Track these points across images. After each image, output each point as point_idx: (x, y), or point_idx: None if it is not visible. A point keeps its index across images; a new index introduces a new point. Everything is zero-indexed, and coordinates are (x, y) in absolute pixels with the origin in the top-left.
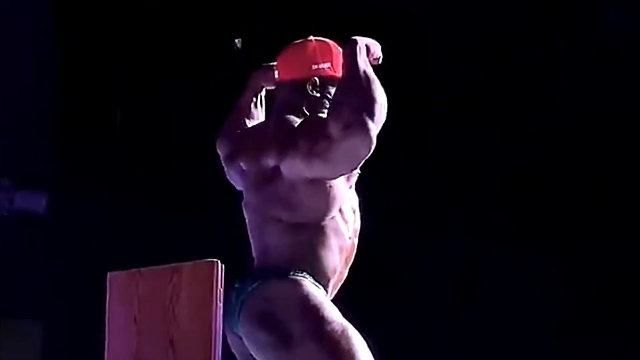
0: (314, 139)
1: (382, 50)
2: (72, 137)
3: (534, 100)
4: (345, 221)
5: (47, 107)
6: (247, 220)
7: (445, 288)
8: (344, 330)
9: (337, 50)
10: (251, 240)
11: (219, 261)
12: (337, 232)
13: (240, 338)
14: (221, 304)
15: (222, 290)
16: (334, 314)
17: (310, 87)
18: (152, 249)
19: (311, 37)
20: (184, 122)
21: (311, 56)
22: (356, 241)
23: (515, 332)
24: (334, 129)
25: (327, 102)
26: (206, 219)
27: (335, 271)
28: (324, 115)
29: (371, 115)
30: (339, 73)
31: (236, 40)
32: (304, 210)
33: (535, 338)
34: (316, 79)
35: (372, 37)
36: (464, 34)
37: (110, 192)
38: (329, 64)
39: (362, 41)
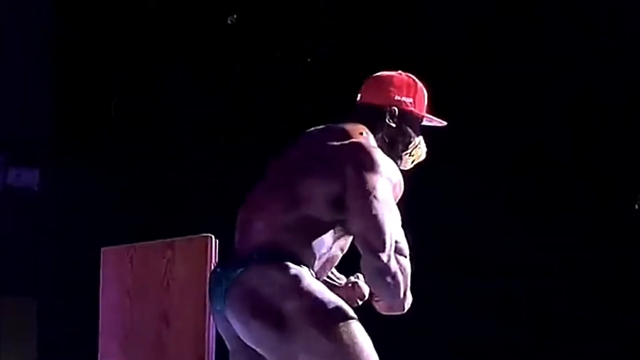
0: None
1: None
2: (65, 113)
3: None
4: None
5: (40, 84)
6: (245, 209)
7: None
8: (336, 306)
9: (422, 91)
10: (240, 227)
11: (212, 236)
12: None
13: (228, 322)
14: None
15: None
16: (324, 291)
17: (389, 115)
18: (145, 224)
19: (401, 72)
20: (177, 98)
21: (397, 87)
22: (340, 254)
23: None
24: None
25: (400, 134)
26: (200, 195)
27: (316, 265)
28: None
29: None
30: (419, 111)
31: (230, 18)
32: (315, 206)
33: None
34: (395, 109)
35: (368, 11)
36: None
37: (103, 168)
38: (411, 100)
39: None
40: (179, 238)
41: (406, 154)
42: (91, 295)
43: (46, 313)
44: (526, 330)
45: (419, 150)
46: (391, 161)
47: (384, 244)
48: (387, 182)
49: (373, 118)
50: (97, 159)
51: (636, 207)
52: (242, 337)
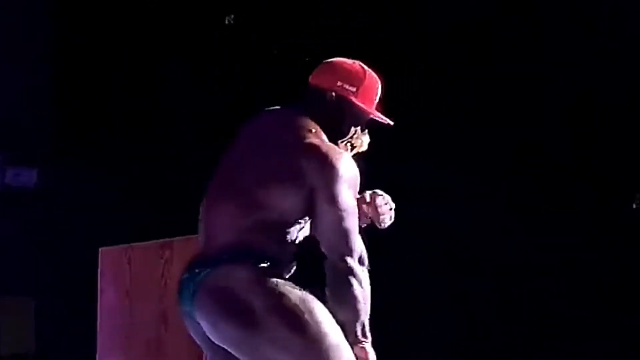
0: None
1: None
2: (64, 113)
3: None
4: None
5: (39, 85)
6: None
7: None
8: (304, 301)
9: (372, 84)
10: (203, 229)
11: None
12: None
13: (199, 324)
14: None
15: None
16: (292, 289)
17: (328, 99)
18: (144, 224)
19: (357, 62)
20: (176, 98)
21: (343, 74)
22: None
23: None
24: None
25: (338, 121)
26: (197, 195)
27: (285, 256)
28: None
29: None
30: (361, 103)
31: (227, 18)
32: (279, 212)
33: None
34: (334, 94)
35: (367, 11)
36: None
37: (102, 168)
38: (354, 89)
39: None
40: (176, 238)
41: (343, 142)
42: (89, 295)
43: (44, 312)
44: (526, 331)
45: (357, 141)
46: (345, 154)
47: (352, 251)
48: (349, 188)
49: (316, 100)
50: (95, 159)
51: (634, 206)
52: (210, 337)
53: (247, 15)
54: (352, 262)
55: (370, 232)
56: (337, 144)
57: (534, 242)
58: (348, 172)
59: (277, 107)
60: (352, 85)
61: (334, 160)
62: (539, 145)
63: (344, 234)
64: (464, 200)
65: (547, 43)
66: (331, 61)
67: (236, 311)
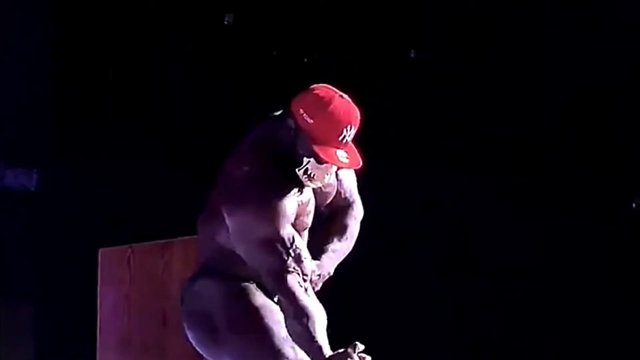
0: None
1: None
2: (63, 113)
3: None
4: None
5: (38, 85)
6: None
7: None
8: (255, 314)
9: (334, 119)
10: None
11: None
12: None
13: None
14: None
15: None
16: (245, 301)
17: (288, 125)
18: (143, 226)
19: (336, 93)
20: (177, 99)
21: (306, 101)
22: None
23: None
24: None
25: (293, 149)
26: (198, 195)
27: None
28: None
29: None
30: (316, 138)
31: (226, 16)
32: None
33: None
34: (292, 122)
35: (362, 12)
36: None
37: (101, 169)
38: (312, 121)
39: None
40: (176, 239)
41: (300, 170)
42: (89, 296)
43: (44, 314)
44: (526, 330)
45: (312, 173)
46: (252, 183)
47: (272, 273)
48: (252, 215)
49: (283, 122)
50: (95, 160)
51: (634, 206)
52: None
53: (247, 15)
54: (277, 282)
55: (370, 231)
56: (294, 172)
57: (534, 242)
58: (247, 201)
59: (272, 115)
60: (311, 116)
61: (233, 193)
62: (538, 146)
63: (258, 264)
64: (463, 199)
65: (547, 43)
66: (314, 86)
67: (200, 327)
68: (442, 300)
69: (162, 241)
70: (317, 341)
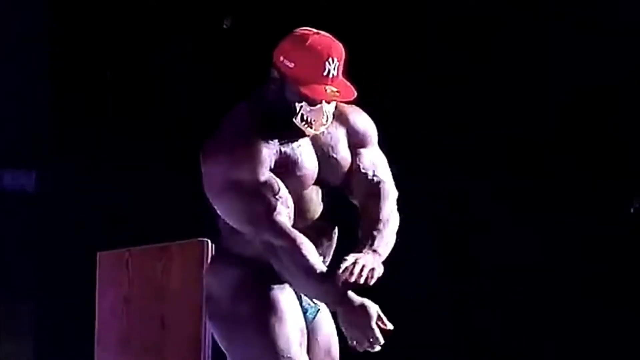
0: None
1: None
2: (62, 114)
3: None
4: None
5: (37, 86)
6: None
7: None
8: (263, 310)
9: (312, 55)
10: None
11: (208, 240)
12: None
13: None
14: (211, 276)
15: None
16: (261, 295)
17: (271, 77)
18: (142, 228)
19: (309, 30)
20: (177, 101)
21: (283, 48)
22: None
23: None
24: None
25: (281, 100)
26: (197, 199)
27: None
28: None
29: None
30: (301, 80)
31: (225, 20)
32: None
33: None
34: (275, 72)
35: (363, 12)
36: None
37: (100, 170)
38: (293, 64)
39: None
40: (175, 242)
41: (296, 118)
42: (87, 300)
43: (42, 317)
44: (526, 330)
45: (309, 117)
46: (220, 147)
47: (257, 233)
48: (231, 193)
49: (268, 77)
50: (95, 162)
51: (631, 210)
52: None
53: (245, 19)
54: (262, 243)
55: None
56: (291, 124)
57: (534, 242)
58: (216, 166)
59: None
60: (291, 60)
61: (204, 163)
62: (538, 146)
63: (241, 228)
64: (463, 200)
65: (547, 43)
66: (290, 33)
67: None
68: (442, 300)
69: (161, 245)
70: (323, 273)
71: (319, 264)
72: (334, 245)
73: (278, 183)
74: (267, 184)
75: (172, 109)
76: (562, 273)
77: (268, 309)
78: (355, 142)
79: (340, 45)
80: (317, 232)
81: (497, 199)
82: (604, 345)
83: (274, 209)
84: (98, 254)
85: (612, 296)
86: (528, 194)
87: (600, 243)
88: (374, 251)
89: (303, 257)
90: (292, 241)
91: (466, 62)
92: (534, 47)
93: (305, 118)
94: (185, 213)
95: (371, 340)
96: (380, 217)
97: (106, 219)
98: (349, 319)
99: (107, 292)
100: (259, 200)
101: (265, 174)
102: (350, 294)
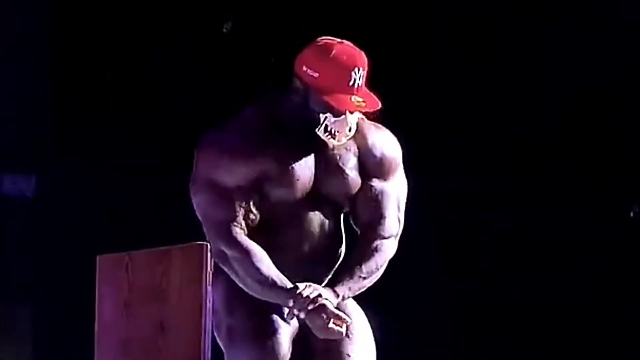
0: None
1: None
2: (62, 114)
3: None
4: None
5: (36, 89)
6: None
7: None
8: (252, 325)
9: (336, 65)
10: None
11: (208, 244)
12: None
13: None
14: (210, 287)
15: (211, 272)
16: (251, 310)
17: (294, 87)
18: (142, 230)
19: (333, 39)
20: (178, 105)
21: (306, 58)
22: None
23: None
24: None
25: (305, 110)
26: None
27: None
28: None
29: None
30: (322, 87)
31: (225, 24)
32: None
33: None
34: (298, 82)
35: (364, 12)
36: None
37: (100, 171)
38: (317, 74)
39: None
40: (175, 246)
41: (319, 129)
42: (87, 302)
43: (42, 320)
44: (526, 330)
45: (334, 127)
46: (204, 152)
47: (216, 244)
48: (205, 192)
49: (291, 87)
50: (95, 165)
51: (631, 214)
52: None
53: (245, 19)
54: (217, 255)
55: None
56: (315, 135)
57: (533, 241)
58: (201, 162)
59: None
60: (315, 69)
61: (195, 155)
62: (538, 146)
63: (205, 230)
64: (463, 199)
65: (547, 43)
66: (313, 42)
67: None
68: (442, 300)
69: (161, 248)
70: (274, 279)
71: (270, 272)
72: (334, 269)
73: (251, 194)
74: (239, 191)
75: (172, 109)
76: (562, 273)
77: (259, 321)
78: (368, 167)
79: (364, 54)
80: (312, 253)
81: (497, 199)
82: (604, 345)
83: (234, 218)
84: (98, 257)
85: (612, 296)
86: (528, 194)
87: (600, 243)
88: (334, 292)
89: (254, 267)
90: (245, 252)
91: (466, 62)
92: (534, 47)
93: (329, 129)
94: (185, 214)
95: (333, 334)
96: (363, 268)
97: (106, 221)
98: (308, 319)
99: (106, 296)
100: (225, 205)
101: (241, 181)
102: (303, 300)
